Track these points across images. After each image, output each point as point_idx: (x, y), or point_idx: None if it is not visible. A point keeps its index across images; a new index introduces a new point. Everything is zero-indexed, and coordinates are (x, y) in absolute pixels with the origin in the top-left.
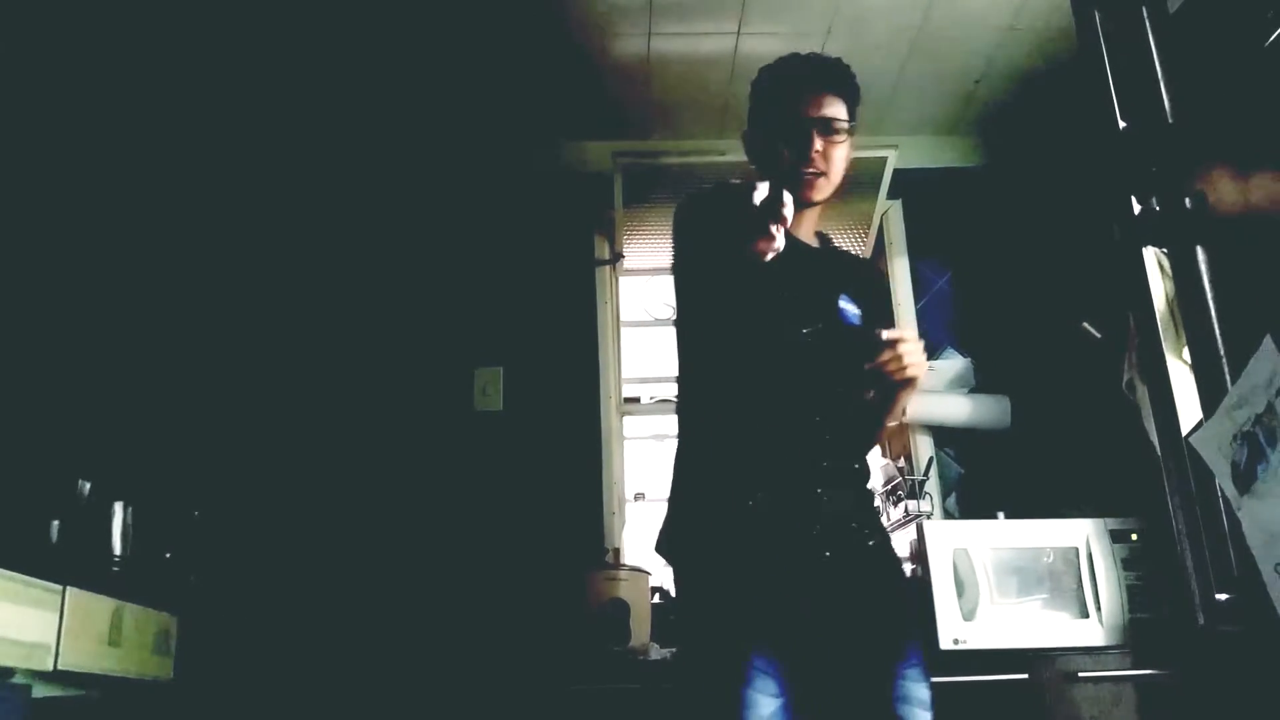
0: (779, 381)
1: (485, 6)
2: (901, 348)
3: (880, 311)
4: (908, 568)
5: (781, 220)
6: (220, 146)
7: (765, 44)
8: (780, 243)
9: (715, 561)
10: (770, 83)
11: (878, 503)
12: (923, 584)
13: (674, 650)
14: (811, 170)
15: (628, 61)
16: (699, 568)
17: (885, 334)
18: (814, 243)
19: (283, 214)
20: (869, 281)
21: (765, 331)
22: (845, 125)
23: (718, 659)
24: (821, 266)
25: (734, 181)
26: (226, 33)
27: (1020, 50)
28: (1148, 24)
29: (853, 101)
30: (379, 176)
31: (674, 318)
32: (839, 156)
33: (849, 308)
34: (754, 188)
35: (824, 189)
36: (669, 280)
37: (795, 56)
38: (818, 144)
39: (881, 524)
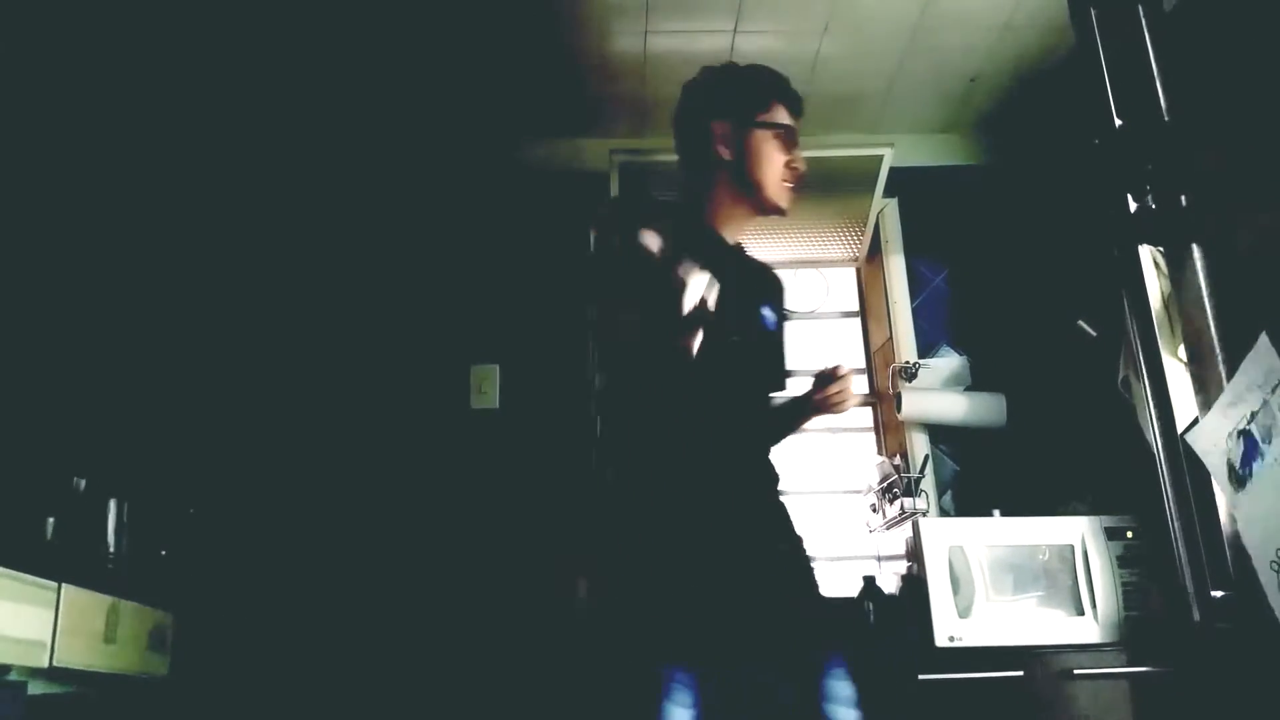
0: (702, 388)
1: (482, 4)
2: (848, 382)
3: (783, 326)
4: (903, 565)
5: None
6: (218, 145)
7: (762, 42)
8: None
9: (632, 570)
10: (765, 88)
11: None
12: (918, 581)
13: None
14: (794, 183)
15: (624, 59)
16: (616, 575)
17: (837, 369)
18: (740, 245)
19: (279, 212)
20: (781, 291)
21: (707, 327)
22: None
23: (634, 670)
24: (746, 273)
25: (661, 201)
26: (229, 30)
27: (1016, 49)
28: (1144, 22)
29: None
30: (375, 174)
31: (593, 322)
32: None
33: (769, 315)
34: (684, 270)
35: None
36: (589, 279)
37: (767, 70)
38: (800, 163)
39: (794, 530)
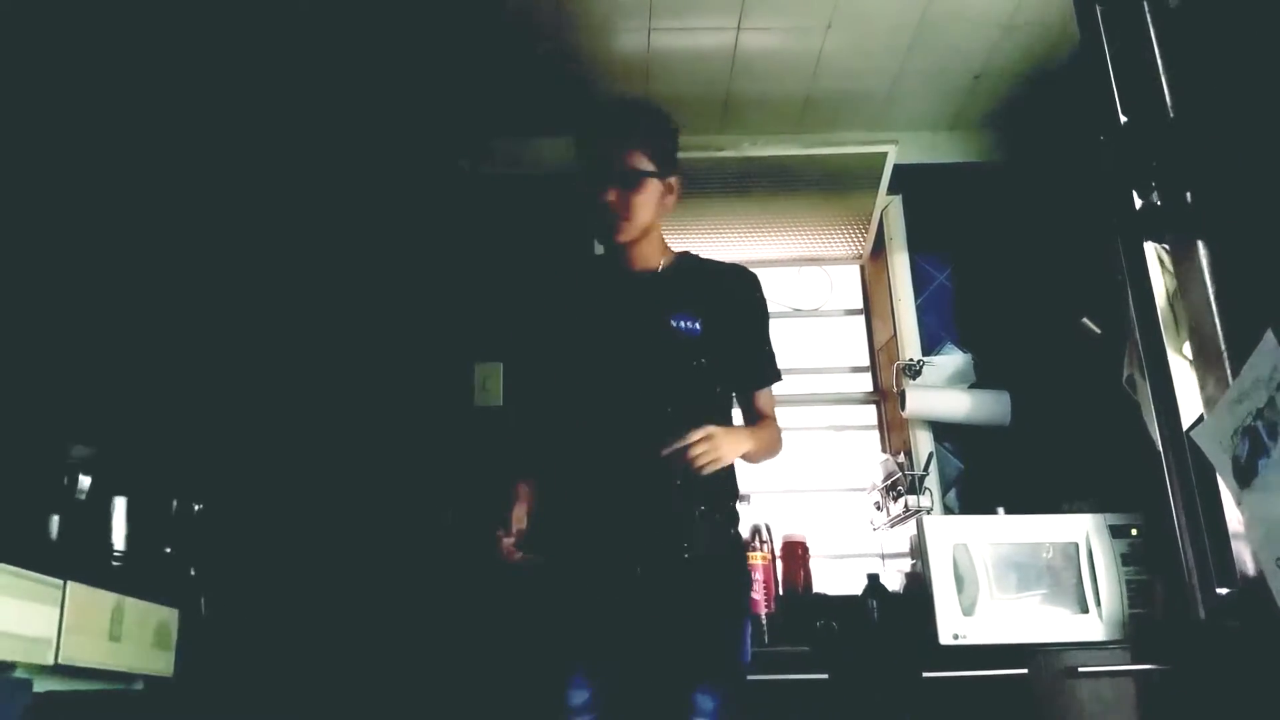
0: (600, 402)
1: (486, 2)
2: (705, 444)
3: (730, 320)
4: (907, 563)
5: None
6: (221, 141)
7: (765, 39)
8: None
9: (541, 573)
10: (583, 135)
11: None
12: (922, 579)
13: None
14: (612, 215)
15: (627, 57)
16: (530, 578)
17: (694, 434)
18: (658, 267)
19: (283, 209)
20: (722, 293)
21: (587, 355)
22: (643, 174)
23: (540, 669)
24: (655, 291)
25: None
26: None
27: (1021, 45)
28: (1148, 18)
29: (655, 147)
30: (379, 173)
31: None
32: (639, 203)
33: (684, 324)
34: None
35: (628, 231)
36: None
37: (607, 106)
38: (611, 195)
39: (711, 538)
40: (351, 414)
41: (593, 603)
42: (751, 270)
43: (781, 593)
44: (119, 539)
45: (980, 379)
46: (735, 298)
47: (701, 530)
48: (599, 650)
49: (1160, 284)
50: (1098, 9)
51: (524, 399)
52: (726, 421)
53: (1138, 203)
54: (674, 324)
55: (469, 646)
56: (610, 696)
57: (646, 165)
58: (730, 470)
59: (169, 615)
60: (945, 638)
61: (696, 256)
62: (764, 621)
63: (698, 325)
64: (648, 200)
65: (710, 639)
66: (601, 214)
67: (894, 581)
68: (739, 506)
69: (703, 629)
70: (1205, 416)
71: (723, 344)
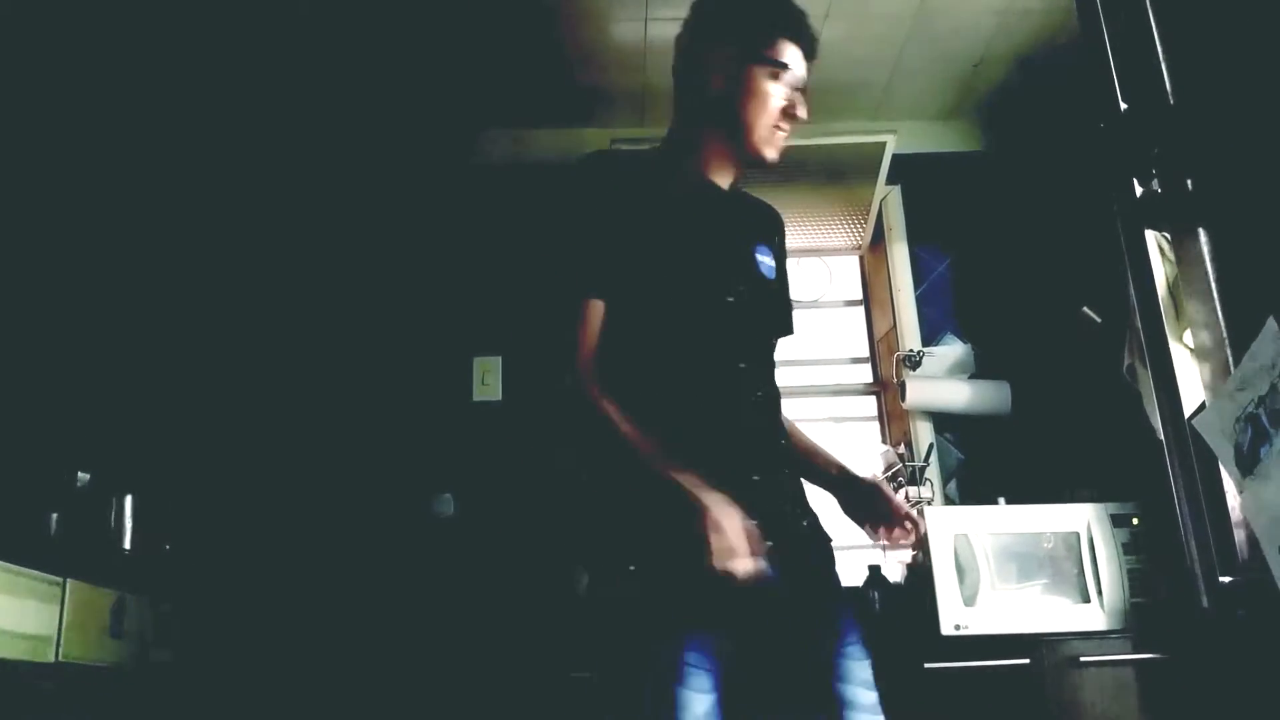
0: (707, 355)
1: None
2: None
3: (784, 267)
4: (908, 554)
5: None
6: (218, 140)
7: None
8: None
9: (648, 554)
10: (775, 21)
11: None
12: (924, 570)
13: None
14: (782, 131)
15: (625, 47)
16: (629, 561)
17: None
18: (726, 184)
19: (281, 205)
20: (778, 229)
21: (688, 300)
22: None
23: (650, 656)
24: (737, 215)
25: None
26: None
27: (1020, 33)
28: (1148, 4)
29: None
30: (377, 166)
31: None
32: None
33: (764, 260)
34: None
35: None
36: (559, 240)
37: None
38: (802, 110)
39: (809, 503)
40: (351, 409)
41: (723, 590)
42: None
43: None
44: (119, 536)
45: (980, 369)
46: (781, 236)
47: (805, 500)
48: (732, 623)
49: (1161, 272)
50: None
51: (627, 345)
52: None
53: (1138, 190)
54: (757, 257)
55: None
56: (736, 673)
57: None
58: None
59: (169, 611)
60: (947, 628)
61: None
62: None
63: (772, 262)
64: None
65: (846, 606)
66: (772, 122)
67: (895, 573)
68: None
69: (838, 598)
70: (1207, 405)
71: (784, 287)
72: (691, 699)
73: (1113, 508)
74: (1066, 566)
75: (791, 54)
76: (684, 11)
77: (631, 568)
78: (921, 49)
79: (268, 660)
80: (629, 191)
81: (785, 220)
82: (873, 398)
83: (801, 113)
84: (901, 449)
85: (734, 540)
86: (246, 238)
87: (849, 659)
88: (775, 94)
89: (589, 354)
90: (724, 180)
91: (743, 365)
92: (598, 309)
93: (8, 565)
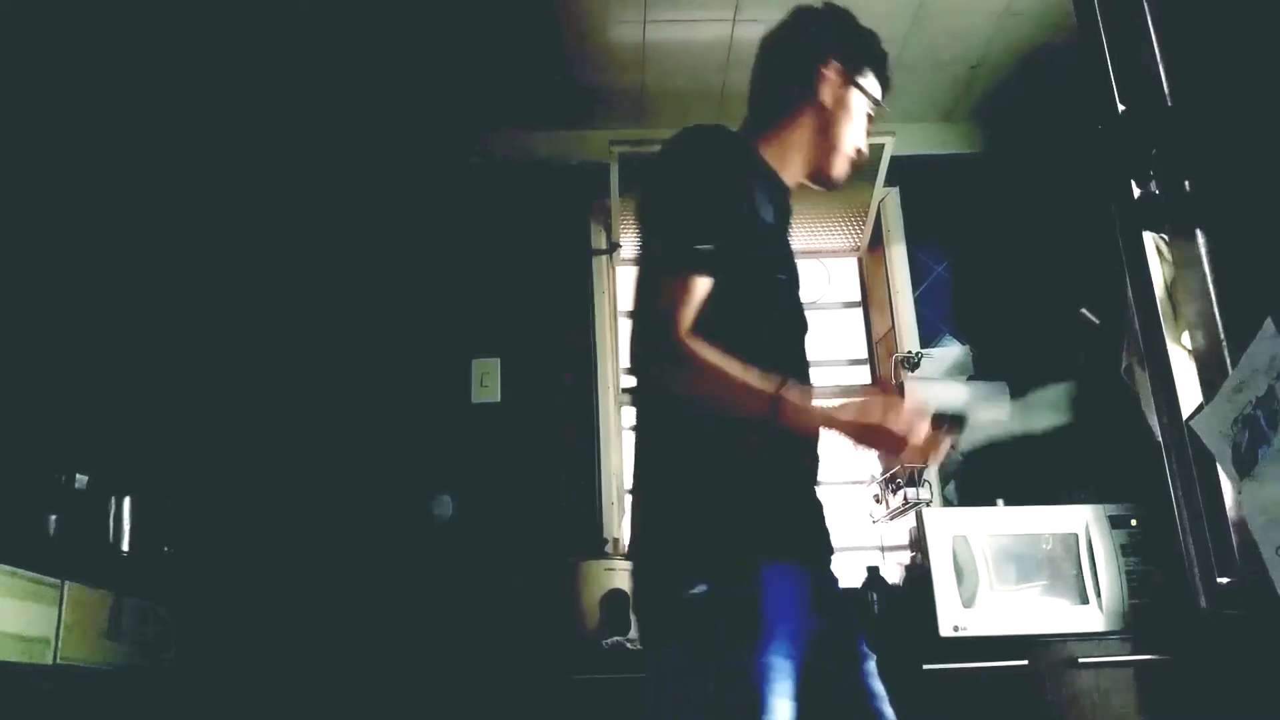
0: (784, 340)
1: None
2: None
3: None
4: (906, 556)
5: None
6: (218, 141)
7: (761, 31)
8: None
9: (730, 555)
10: (875, 56)
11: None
12: (922, 572)
13: (661, 649)
14: (854, 164)
15: (623, 49)
16: (706, 560)
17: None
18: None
19: (279, 207)
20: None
21: (770, 284)
22: None
23: (732, 656)
24: (789, 213)
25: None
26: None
27: (1018, 34)
28: (1146, 5)
29: None
30: (376, 168)
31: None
32: None
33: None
34: None
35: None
36: (656, 223)
37: (878, 38)
38: (866, 144)
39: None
40: (350, 411)
41: (803, 587)
42: None
43: None
44: (117, 537)
45: (979, 370)
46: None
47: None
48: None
49: (1159, 273)
50: None
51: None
52: None
53: (1136, 192)
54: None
55: (469, 647)
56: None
57: None
58: None
59: (167, 613)
60: (945, 630)
61: None
62: None
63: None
64: None
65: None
66: (853, 149)
67: (894, 574)
68: None
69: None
70: (1204, 406)
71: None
72: (777, 705)
73: (1111, 509)
74: (1065, 568)
75: (878, 90)
76: (682, 13)
77: (732, 562)
78: (919, 50)
79: (266, 661)
80: (741, 171)
81: None
82: None
83: (866, 151)
84: None
85: (910, 416)
86: (246, 238)
87: (871, 676)
88: (863, 125)
89: (688, 328)
90: (790, 177)
91: (797, 349)
92: (703, 286)
93: (6, 567)
